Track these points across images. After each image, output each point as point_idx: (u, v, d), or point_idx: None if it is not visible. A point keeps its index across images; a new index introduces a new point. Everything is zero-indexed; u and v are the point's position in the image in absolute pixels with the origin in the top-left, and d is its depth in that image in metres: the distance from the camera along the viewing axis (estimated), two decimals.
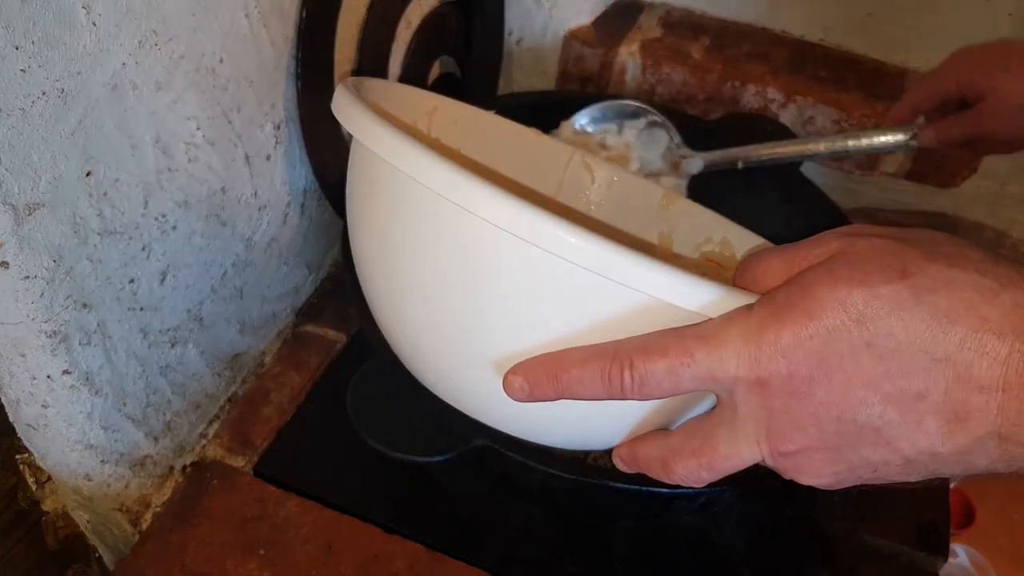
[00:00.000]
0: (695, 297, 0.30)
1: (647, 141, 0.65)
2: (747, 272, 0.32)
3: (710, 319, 0.30)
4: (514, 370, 0.33)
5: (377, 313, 0.43)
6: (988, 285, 0.26)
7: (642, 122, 0.65)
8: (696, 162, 0.64)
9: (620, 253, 0.30)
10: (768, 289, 0.31)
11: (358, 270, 0.43)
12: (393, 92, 0.51)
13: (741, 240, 0.54)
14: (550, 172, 0.60)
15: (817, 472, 0.30)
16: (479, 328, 0.35)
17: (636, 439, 0.36)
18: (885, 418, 0.27)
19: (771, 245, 0.49)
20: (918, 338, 0.26)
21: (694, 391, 0.31)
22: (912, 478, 0.29)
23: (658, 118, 0.65)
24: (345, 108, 0.38)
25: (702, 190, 0.62)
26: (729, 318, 0.30)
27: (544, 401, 0.33)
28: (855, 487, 0.31)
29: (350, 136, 0.39)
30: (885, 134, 0.57)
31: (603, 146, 0.64)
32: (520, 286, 0.33)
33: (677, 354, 0.30)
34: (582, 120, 0.65)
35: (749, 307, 0.30)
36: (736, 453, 0.31)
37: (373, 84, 0.48)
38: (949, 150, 0.57)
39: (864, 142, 0.58)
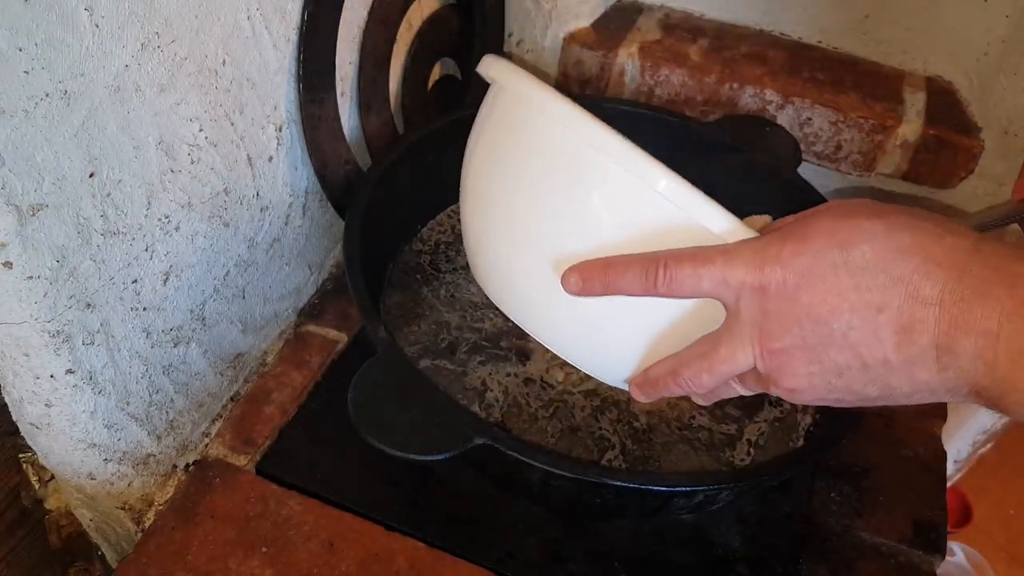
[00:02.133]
0: (720, 223, 0.39)
1: None
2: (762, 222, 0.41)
3: (732, 242, 0.38)
4: (571, 269, 0.41)
5: (469, 236, 0.50)
6: (938, 232, 0.34)
7: None
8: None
9: (679, 181, 0.39)
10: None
11: (462, 202, 0.50)
12: None
13: None
14: None
15: (794, 371, 0.37)
16: (553, 232, 0.43)
17: (648, 367, 0.43)
18: (851, 324, 0.35)
19: None
20: (883, 262, 0.34)
21: (709, 293, 0.38)
22: (871, 390, 0.36)
23: None
24: (496, 63, 0.46)
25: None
26: (745, 240, 0.38)
27: (592, 295, 0.41)
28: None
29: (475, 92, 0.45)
30: None
31: None
32: (601, 202, 0.41)
33: (701, 260, 0.37)
34: None
35: (762, 236, 0.38)
36: (732, 354, 0.38)
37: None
38: None
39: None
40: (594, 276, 0.40)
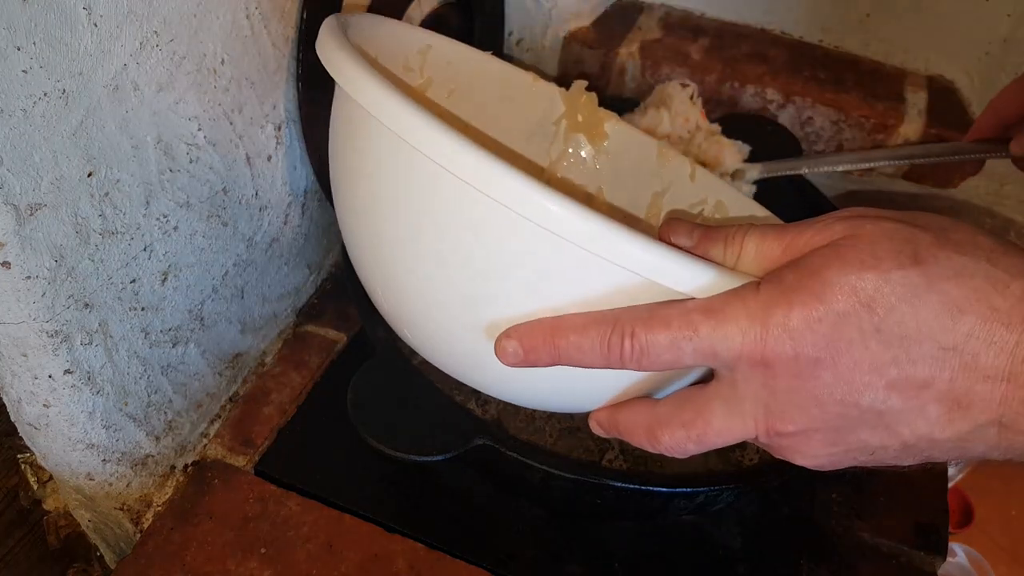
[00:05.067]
0: (689, 281, 0.30)
1: None
2: (738, 248, 0.32)
3: (716, 294, 0.30)
4: (508, 334, 0.32)
5: (357, 263, 0.42)
6: (999, 275, 0.26)
7: None
8: (753, 171, 0.61)
9: (614, 231, 0.29)
10: (764, 269, 0.31)
11: (339, 218, 0.41)
12: (383, 28, 0.48)
13: (736, 204, 0.53)
14: (546, 118, 0.59)
15: (813, 453, 0.30)
16: (465, 290, 0.34)
17: (618, 405, 0.35)
18: (888, 403, 0.27)
19: (768, 213, 0.50)
20: (927, 326, 0.26)
21: (694, 365, 0.30)
22: (907, 462, 0.30)
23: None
24: (331, 49, 0.36)
25: None
26: (735, 294, 0.29)
27: (537, 367, 0.32)
28: (848, 470, 0.31)
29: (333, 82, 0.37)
30: (964, 149, 0.54)
31: None
32: (513, 255, 0.32)
33: (680, 327, 0.29)
34: None
35: (755, 285, 0.29)
36: (728, 429, 0.31)
37: (361, 20, 0.45)
38: None
39: (937, 157, 0.55)
40: (538, 345, 0.32)
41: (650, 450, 0.34)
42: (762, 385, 0.29)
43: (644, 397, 0.35)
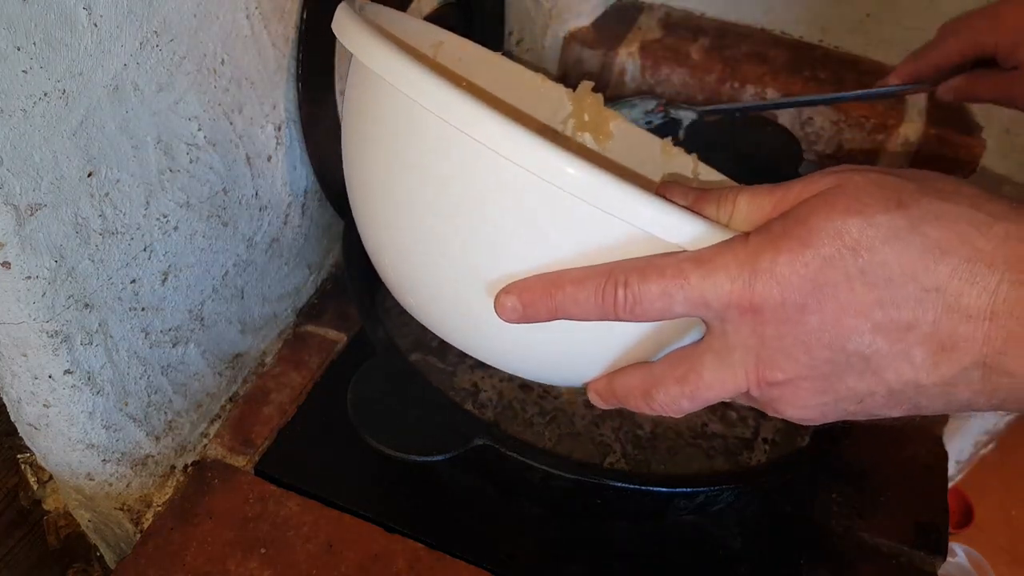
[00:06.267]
0: (681, 231, 0.31)
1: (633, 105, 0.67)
2: (731, 206, 0.33)
3: (707, 246, 0.31)
4: (507, 290, 0.33)
5: (366, 233, 0.43)
6: (981, 218, 0.27)
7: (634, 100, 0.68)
8: (689, 113, 0.65)
9: (611, 183, 0.30)
10: (755, 225, 0.31)
11: (349, 191, 0.43)
12: (397, 21, 0.50)
13: None
14: (554, 117, 0.60)
15: (802, 403, 0.31)
16: (468, 248, 0.35)
17: (615, 372, 0.36)
18: (874, 347, 0.28)
19: None
20: (911, 268, 0.27)
21: (685, 315, 0.31)
22: (895, 412, 0.30)
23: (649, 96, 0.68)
24: (348, 27, 0.37)
25: None
26: (725, 245, 0.30)
27: (537, 322, 0.33)
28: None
29: (350, 56, 0.38)
30: (885, 91, 0.59)
31: None
32: (510, 209, 0.33)
33: (672, 275, 0.30)
34: None
35: (745, 236, 0.30)
36: (720, 381, 0.32)
37: (376, 10, 0.47)
38: (964, 102, 0.57)
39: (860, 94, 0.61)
40: (536, 299, 0.33)
41: (648, 412, 0.35)
42: (751, 332, 0.30)
43: (641, 363, 0.36)
